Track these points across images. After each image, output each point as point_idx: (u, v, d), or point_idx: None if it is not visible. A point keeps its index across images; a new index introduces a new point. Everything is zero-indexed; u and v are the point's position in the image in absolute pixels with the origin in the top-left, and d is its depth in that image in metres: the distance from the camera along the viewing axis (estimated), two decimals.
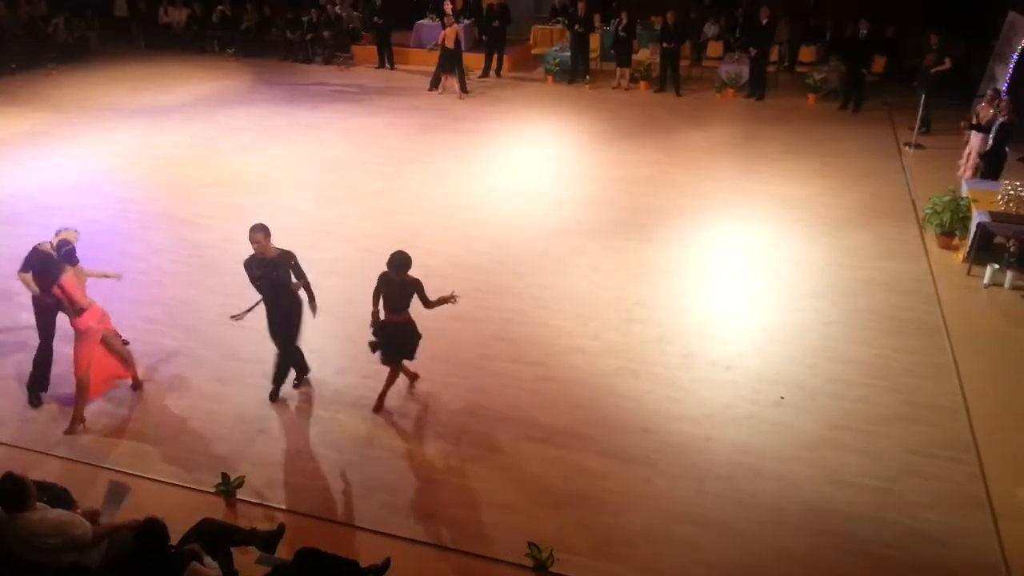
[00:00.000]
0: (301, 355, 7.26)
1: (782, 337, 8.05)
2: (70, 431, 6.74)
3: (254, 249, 6.59)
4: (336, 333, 8.10)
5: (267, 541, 5.39)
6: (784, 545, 5.70)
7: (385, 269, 6.59)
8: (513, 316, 8.42)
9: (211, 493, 5.99)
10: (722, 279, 9.16)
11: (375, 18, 17.96)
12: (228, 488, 5.92)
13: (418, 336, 6.87)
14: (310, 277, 6.85)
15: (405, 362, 7.04)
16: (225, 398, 7.23)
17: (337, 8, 19.34)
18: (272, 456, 6.53)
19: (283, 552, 5.34)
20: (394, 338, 6.81)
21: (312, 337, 8.01)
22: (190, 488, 6.17)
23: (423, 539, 5.75)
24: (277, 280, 6.64)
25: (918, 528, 5.81)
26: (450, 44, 16.05)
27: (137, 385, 7.28)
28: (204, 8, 20.37)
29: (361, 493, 6.17)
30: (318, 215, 10.88)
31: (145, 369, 7.56)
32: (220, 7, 19.93)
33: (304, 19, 19.15)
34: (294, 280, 6.74)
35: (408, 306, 6.67)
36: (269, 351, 7.82)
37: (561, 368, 7.62)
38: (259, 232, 6.55)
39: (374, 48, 18.58)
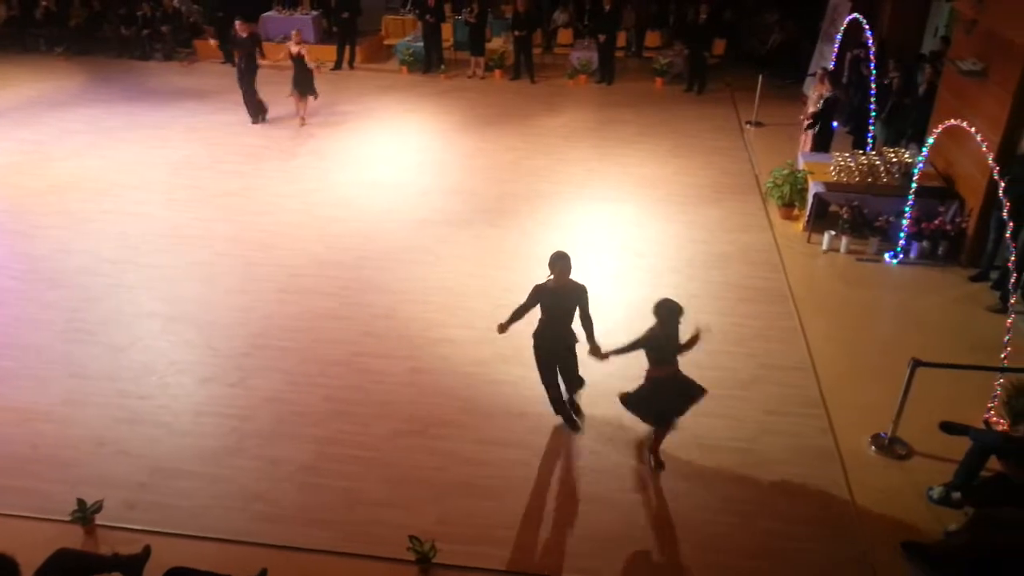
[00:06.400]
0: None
1: (647, 312, 8.28)
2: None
3: (554, 276, 6.13)
4: (197, 342, 7.76)
5: (131, 566, 5.10)
6: (656, 510, 5.94)
7: None
8: (381, 312, 8.31)
9: (67, 522, 5.61)
10: (587, 260, 9.34)
11: (217, 12, 17.15)
12: (85, 514, 5.56)
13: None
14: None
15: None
16: (76, 420, 6.76)
17: (175, 2, 18.35)
18: (134, 477, 6.16)
19: (151, 575, 5.07)
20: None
21: (173, 348, 7.67)
22: (42, 519, 5.73)
23: (302, 545, 5.59)
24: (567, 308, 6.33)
25: (778, 482, 6.18)
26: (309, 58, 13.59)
27: None
28: (24, 5, 18.84)
29: (233, 505, 5.92)
30: (167, 219, 10.32)
31: None
32: (43, 3, 18.49)
33: (139, 14, 18.07)
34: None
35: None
36: (120, 366, 7.40)
37: (432, 360, 7.59)
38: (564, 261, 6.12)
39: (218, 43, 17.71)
